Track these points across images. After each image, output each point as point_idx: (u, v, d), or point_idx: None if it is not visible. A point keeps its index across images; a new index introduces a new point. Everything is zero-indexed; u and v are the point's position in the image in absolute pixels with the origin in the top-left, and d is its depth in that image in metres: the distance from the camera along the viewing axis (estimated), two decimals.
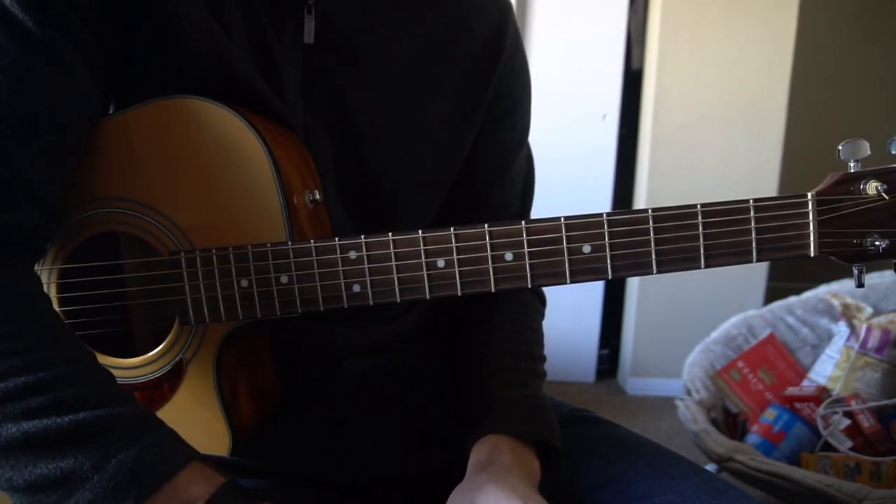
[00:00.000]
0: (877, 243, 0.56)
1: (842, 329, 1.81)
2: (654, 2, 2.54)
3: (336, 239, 0.58)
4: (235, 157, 0.58)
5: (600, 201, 2.69)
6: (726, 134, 2.55)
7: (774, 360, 1.86)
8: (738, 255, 0.57)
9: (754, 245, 0.57)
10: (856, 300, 1.86)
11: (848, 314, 1.82)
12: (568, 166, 2.60)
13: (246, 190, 0.59)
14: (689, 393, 1.77)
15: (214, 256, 0.59)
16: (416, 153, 0.72)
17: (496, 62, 0.74)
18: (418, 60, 0.71)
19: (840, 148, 0.56)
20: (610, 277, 0.58)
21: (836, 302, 1.87)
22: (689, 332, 2.11)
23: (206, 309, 0.60)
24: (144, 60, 0.61)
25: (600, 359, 2.81)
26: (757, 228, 0.56)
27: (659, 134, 2.56)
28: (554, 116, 2.54)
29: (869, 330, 1.73)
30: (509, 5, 0.78)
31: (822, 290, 1.95)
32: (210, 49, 0.60)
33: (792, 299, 1.96)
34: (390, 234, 0.58)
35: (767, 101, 2.52)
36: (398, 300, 0.59)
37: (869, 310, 1.83)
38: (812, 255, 0.57)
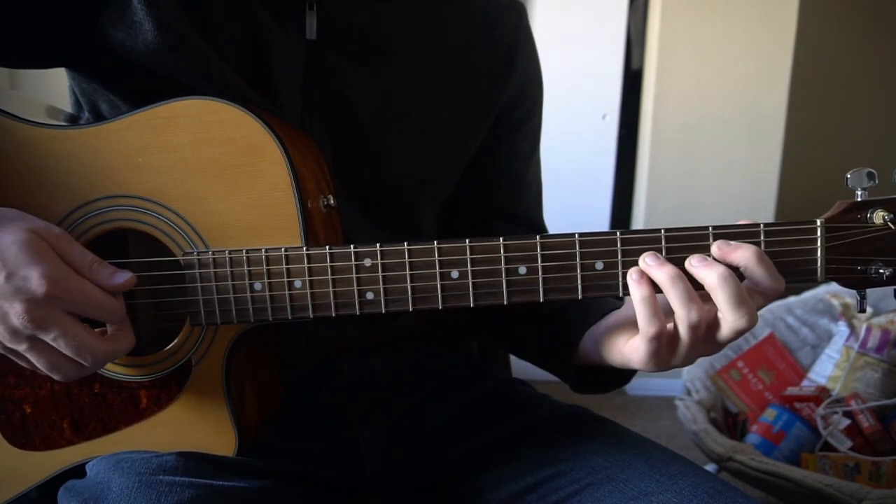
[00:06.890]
0: (881, 271, 0.57)
1: (842, 329, 1.81)
2: (654, 2, 2.54)
3: (351, 246, 0.58)
4: (253, 159, 0.59)
5: (600, 202, 2.69)
6: (726, 134, 2.55)
7: (774, 359, 1.86)
8: None
9: None
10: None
11: (848, 314, 1.82)
12: (568, 166, 2.60)
13: (262, 192, 0.59)
14: (688, 393, 1.77)
15: (228, 258, 0.59)
16: (417, 155, 0.71)
17: (510, 73, 0.74)
18: (425, 60, 0.70)
19: (848, 177, 0.57)
20: (621, 296, 0.58)
21: (835, 302, 1.87)
22: None
23: (217, 311, 0.60)
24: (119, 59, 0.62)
25: None
26: (766, 252, 0.57)
27: (659, 134, 2.56)
28: (554, 116, 2.53)
29: (869, 330, 1.73)
30: (524, 12, 0.77)
31: (822, 290, 1.95)
32: (172, 46, 0.60)
33: (791, 299, 1.96)
34: (405, 243, 0.58)
35: (767, 102, 2.52)
36: (410, 309, 0.59)
37: (869, 310, 1.83)
38: (819, 279, 0.58)
